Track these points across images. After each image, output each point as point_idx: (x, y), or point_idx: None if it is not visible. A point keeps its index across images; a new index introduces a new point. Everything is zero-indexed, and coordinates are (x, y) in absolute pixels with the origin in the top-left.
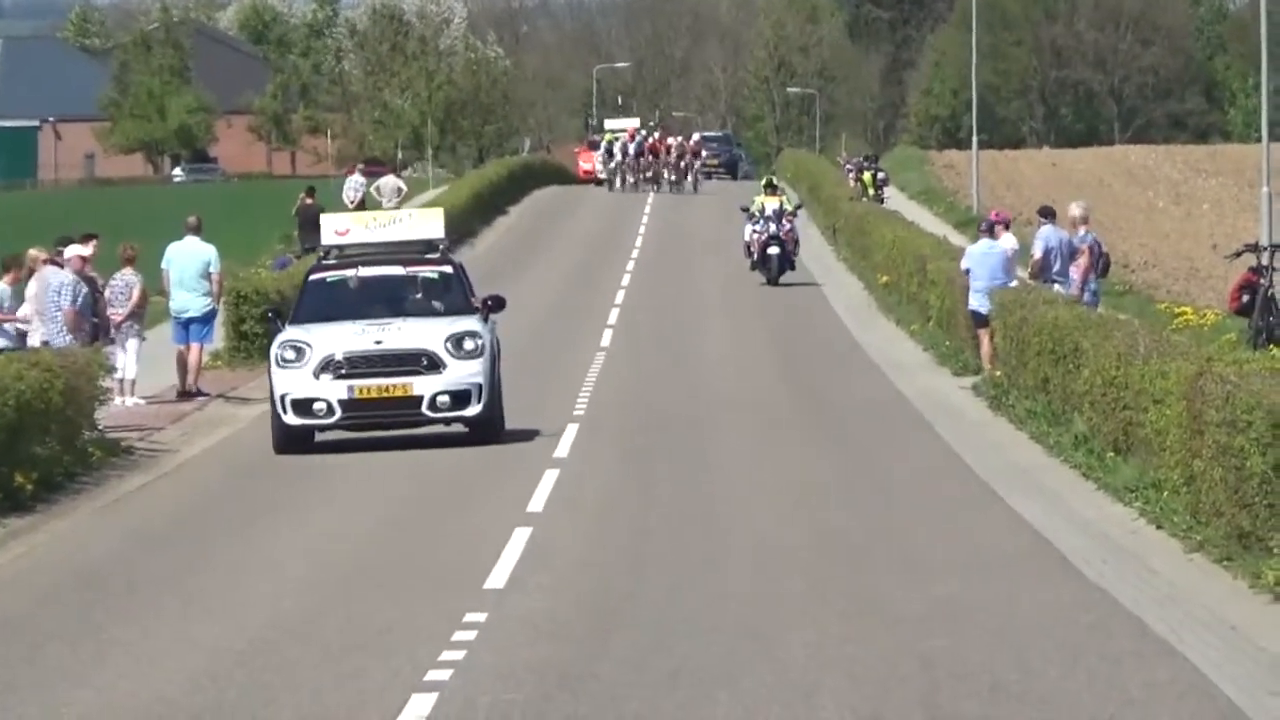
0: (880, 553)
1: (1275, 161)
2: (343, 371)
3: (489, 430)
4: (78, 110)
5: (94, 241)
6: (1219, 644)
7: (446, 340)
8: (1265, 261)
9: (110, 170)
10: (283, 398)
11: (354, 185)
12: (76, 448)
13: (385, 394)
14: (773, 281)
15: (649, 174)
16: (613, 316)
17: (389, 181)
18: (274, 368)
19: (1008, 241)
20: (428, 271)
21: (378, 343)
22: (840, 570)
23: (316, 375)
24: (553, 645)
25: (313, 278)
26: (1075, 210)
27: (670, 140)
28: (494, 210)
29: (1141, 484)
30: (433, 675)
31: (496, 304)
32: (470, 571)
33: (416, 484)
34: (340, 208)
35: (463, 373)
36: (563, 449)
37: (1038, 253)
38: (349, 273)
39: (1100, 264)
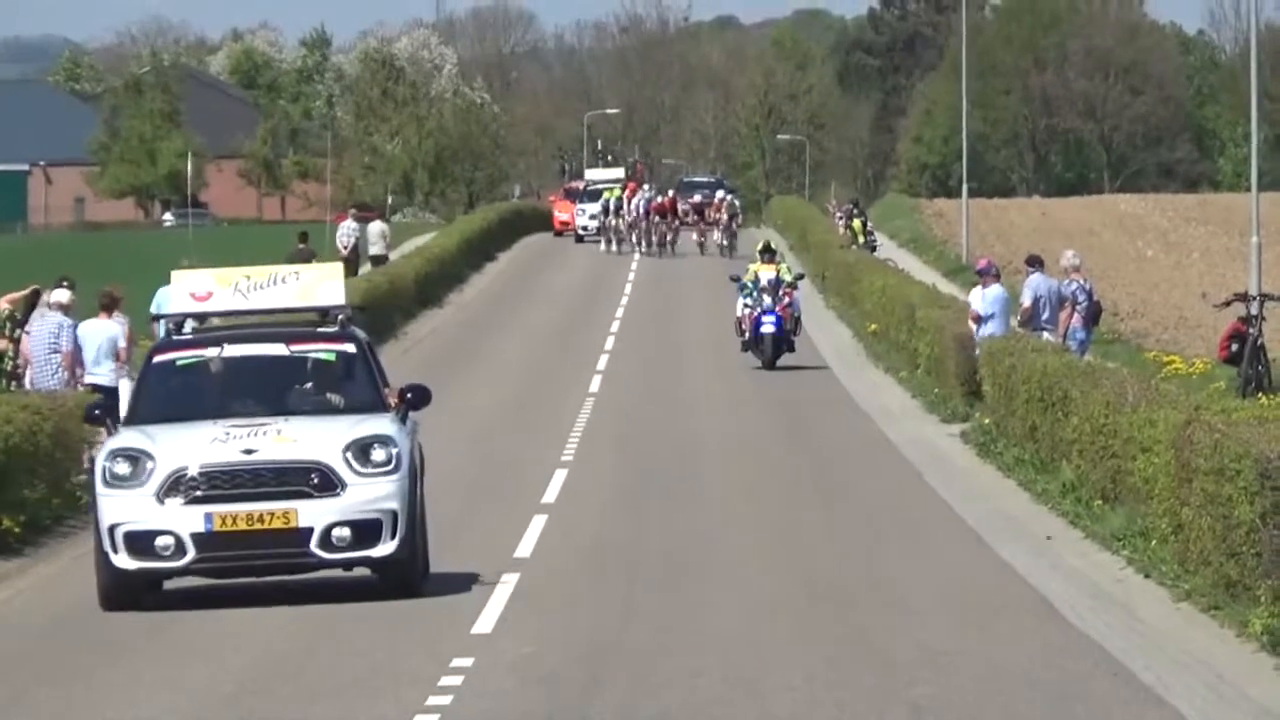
0: (867, 599)
1: (1265, 211)
2: (198, 493)
3: (405, 577)
4: (68, 154)
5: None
6: (1206, 693)
7: (347, 449)
8: (1254, 311)
9: (100, 215)
10: (112, 531)
11: (347, 230)
12: (65, 490)
13: (258, 526)
14: (768, 365)
15: (658, 237)
16: (602, 363)
17: (374, 227)
18: (100, 487)
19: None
20: (321, 351)
21: (248, 452)
22: (827, 616)
23: (160, 498)
24: (540, 690)
25: (157, 359)
26: (1067, 259)
27: (717, 196)
28: (484, 256)
29: (1129, 532)
30: None
31: (418, 398)
32: (458, 616)
33: None
34: (334, 254)
35: (369, 495)
36: (550, 494)
37: (1026, 301)
38: (209, 352)
39: (1091, 312)
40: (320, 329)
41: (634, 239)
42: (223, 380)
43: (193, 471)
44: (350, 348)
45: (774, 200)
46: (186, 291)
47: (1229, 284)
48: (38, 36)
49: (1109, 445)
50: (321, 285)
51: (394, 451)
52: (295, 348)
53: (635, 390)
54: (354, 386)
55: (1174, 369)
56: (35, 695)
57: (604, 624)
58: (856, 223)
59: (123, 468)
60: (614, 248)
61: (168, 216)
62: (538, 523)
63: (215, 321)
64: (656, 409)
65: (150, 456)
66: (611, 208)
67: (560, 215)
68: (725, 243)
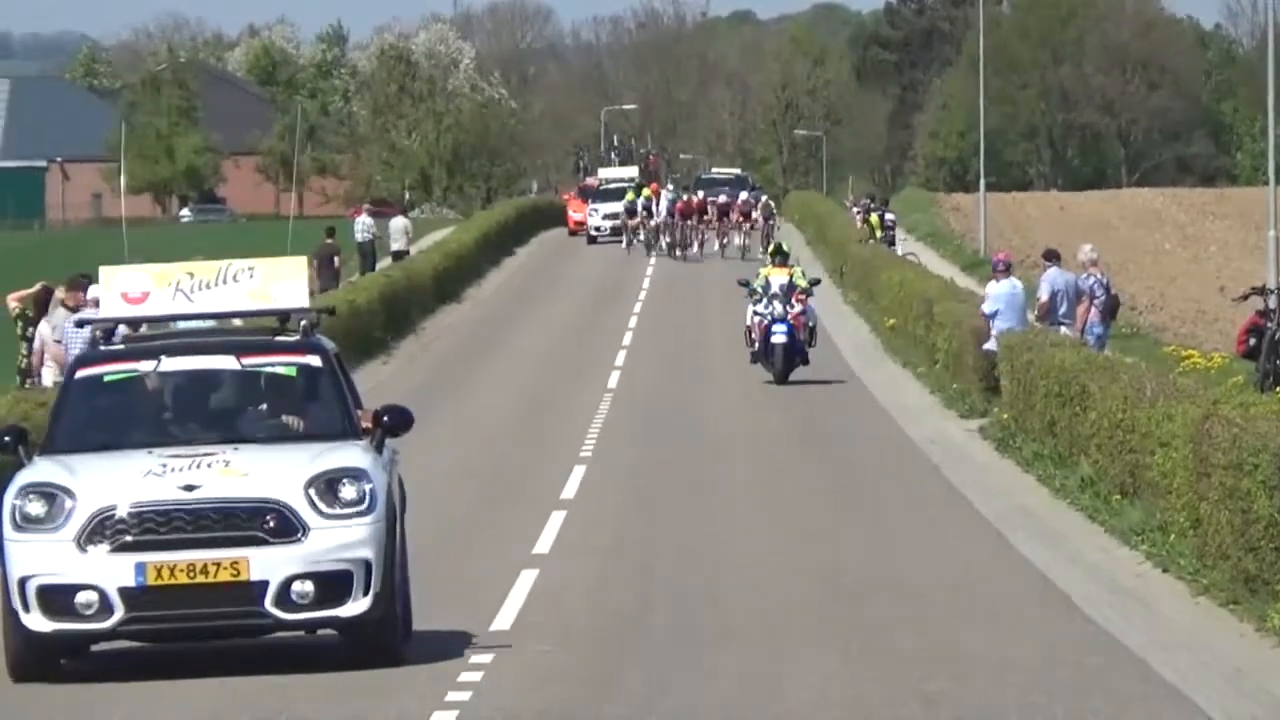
0: (885, 594)
1: None
2: (128, 539)
3: (380, 641)
4: (85, 151)
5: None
6: (1225, 687)
7: (310, 484)
8: (1272, 305)
9: (118, 211)
10: (23, 585)
11: (363, 226)
12: None
13: (201, 579)
14: (779, 379)
15: (681, 240)
16: (620, 358)
17: (397, 222)
18: (8, 531)
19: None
20: (279, 364)
21: (189, 488)
22: (845, 611)
23: (82, 545)
24: (558, 687)
25: (80, 374)
26: (1084, 254)
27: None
28: (502, 252)
29: (1148, 527)
30: (438, 716)
31: (397, 421)
32: (477, 613)
33: (423, 522)
34: (353, 249)
35: (336, 542)
36: (569, 490)
37: (1044, 295)
38: (143, 366)
39: (1109, 306)
40: (279, 338)
41: (661, 244)
42: (159, 400)
43: (121, 512)
44: (315, 360)
45: (791, 195)
46: (117, 292)
47: (1247, 278)
48: (55, 33)
49: (1127, 440)
50: (280, 284)
51: (367, 488)
52: (248, 360)
53: (653, 386)
54: (319, 408)
55: (1192, 363)
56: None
57: (622, 620)
58: (874, 217)
59: (36, 507)
60: (641, 250)
61: (185, 212)
62: (556, 519)
63: (153, 329)
64: (675, 405)
65: (69, 493)
66: (639, 208)
67: (575, 215)
68: (761, 246)
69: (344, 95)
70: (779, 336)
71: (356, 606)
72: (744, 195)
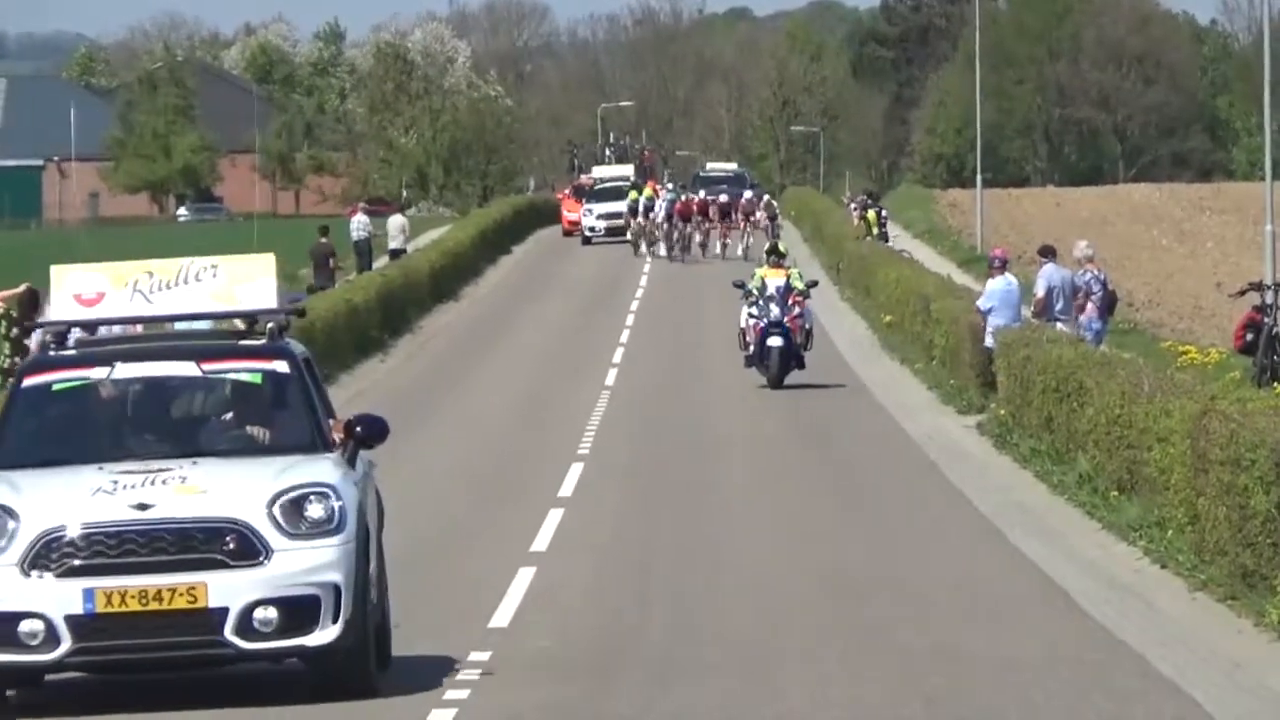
0: (884, 591)
1: (1279, 200)
2: (76, 563)
3: (350, 672)
4: (82, 150)
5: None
6: (1223, 682)
7: (273, 502)
8: (1270, 300)
9: (115, 210)
10: None
11: (359, 225)
12: None
13: (155, 606)
14: (774, 383)
15: (682, 241)
16: (617, 356)
17: (395, 220)
18: None
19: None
20: (243, 371)
21: (142, 507)
22: (843, 609)
23: (26, 569)
24: (556, 685)
25: (27, 382)
26: (1080, 250)
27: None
28: (498, 250)
29: (1145, 523)
30: (436, 714)
31: (370, 431)
32: (475, 611)
33: (421, 520)
34: (349, 248)
35: (302, 565)
36: (567, 487)
37: (1040, 291)
38: (95, 373)
39: (1106, 302)
40: (244, 342)
41: (647, 244)
42: (113, 410)
43: (70, 533)
44: (282, 366)
45: (788, 192)
46: (69, 293)
47: (1244, 273)
48: (51, 32)
49: (1125, 436)
50: (246, 285)
51: (336, 505)
52: (209, 367)
53: (651, 384)
54: (286, 418)
55: (1189, 359)
56: None
57: (620, 618)
58: (871, 214)
59: None
60: (645, 249)
61: (182, 211)
62: (554, 516)
63: (111, 331)
64: (672, 402)
65: (12, 514)
66: (641, 208)
67: (569, 215)
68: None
69: (340, 94)
70: (775, 340)
71: (325, 635)
72: (747, 194)
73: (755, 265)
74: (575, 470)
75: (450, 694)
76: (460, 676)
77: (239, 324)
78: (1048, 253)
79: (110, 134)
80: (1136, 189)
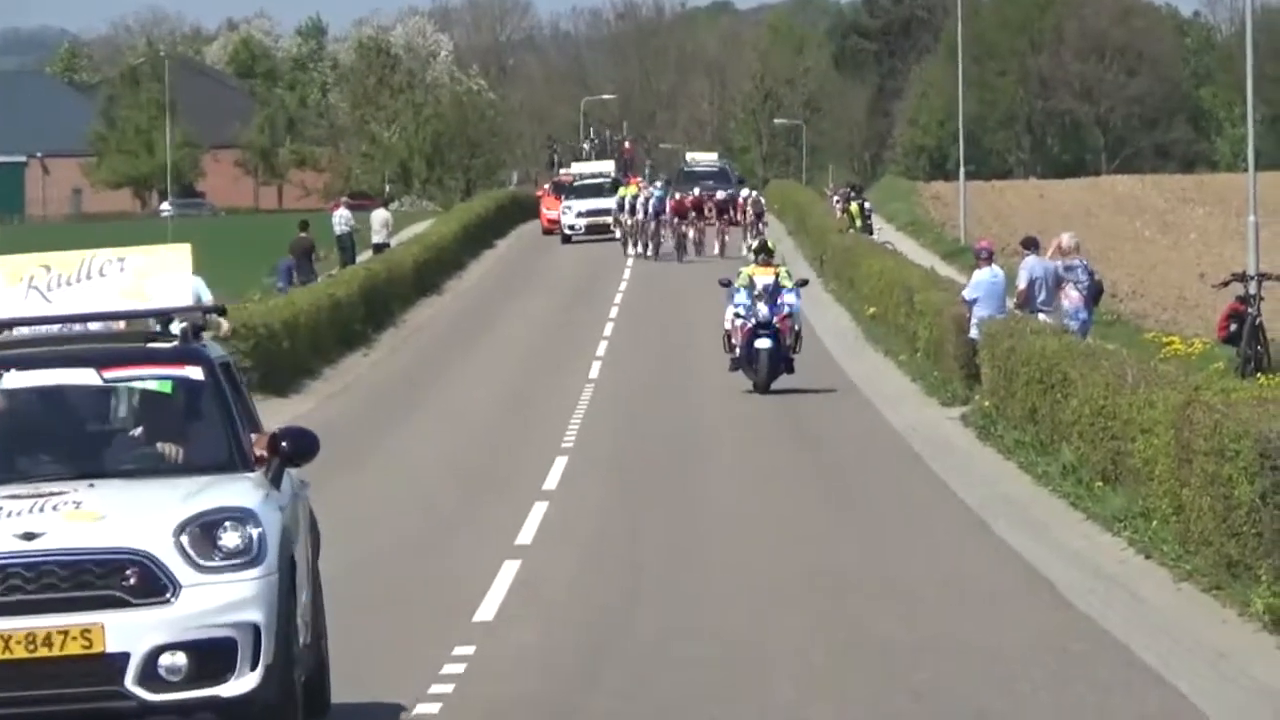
0: (869, 584)
1: (1262, 191)
2: None
3: None
4: (65, 146)
5: None
6: (1208, 672)
7: (182, 530)
8: (1253, 290)
9: (98, 206)
10: None
11: (342, 219)
12: None
13: (44, 652)
14: (762, 387)
15: (675, 239)
16: (601, 349)
17: (378, 215)
18: None
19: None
20: (150, 378)
21: (29, 536)
22: (829, 602)
23: None
24: (541, 679)
25: None
26: (1066, 241)
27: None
28: (482, 244)
29: (1130, 513)
30: (421, 709)
31: (298, 447)
32: (459, 604)
33: (405, 514)
34: (332, 242)
35: (215, 602)
36: (551, 481)
37: (1022, 283)
38: None
39: (1092, 292)
40: (152, 345)
41: (642, 245)
42: (2, 425)
43: None
44: (195, 373)
45: (771, 185)
46: None
47: (1227, 264)
48: (34, 28)
49: (1109, 427)
50: (157, 279)
51: (254, 533)
52: (112, 374)
53: (635, 376)
54: (201, 432)
55: (1173, 349)
56: None
57: (605, 612)
58: (854, 206)
59: None
60: (638, 249)
61: (165, 206)
62: (538, 510)
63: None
64: (656, 395)
65: None
66: (627, 205)
67: (548, 213)
68: (752, 244)
69: (322, 88)
70: (763, 342)
71: (242, 683)
72: (745, 192)
73: (738, 262)
74: (560, 464)
75: (435, 688)
76: (445, 670)
77: (153, 324)
78: (1030, 244)
79: (93, 129)
80: (1119, 180)
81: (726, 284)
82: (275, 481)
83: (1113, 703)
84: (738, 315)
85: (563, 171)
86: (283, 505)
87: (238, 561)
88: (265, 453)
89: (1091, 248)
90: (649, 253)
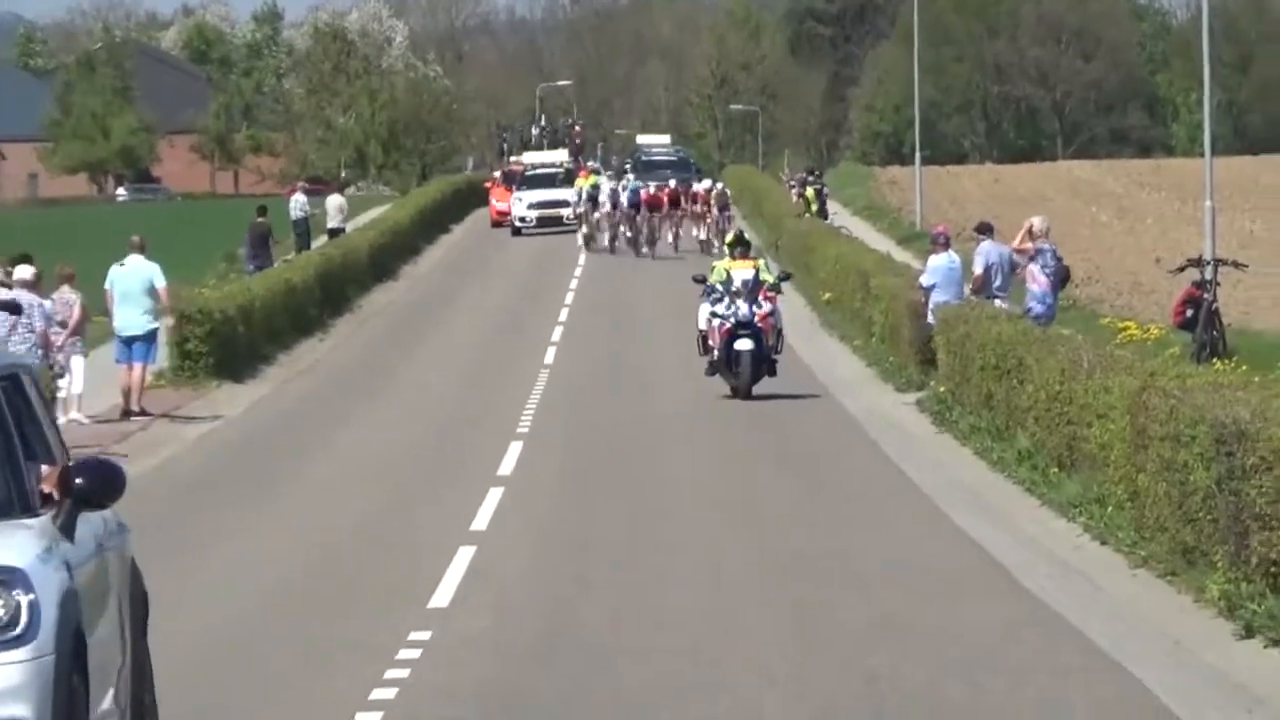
0: (825, 570)
1: (1218, 176)
2: None
3: None
4: (21, 131)
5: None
6: (1164, 659)
7: None
8: (1209, 276)
9: (54, 191)
10: None
11: (298, 204)
12: None
13: None
14: (743, 392)
15: (647, 234)
16: (556, 334)
17: (333, 200)
18: None
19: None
20: None
21: None
22: (785, 588)
23: None
24: (497, 664)
25: None
26: (1037, 225)
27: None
28: (437, 228)
29: (1085, 499)
30: (377, 694)
31: (95, 485)
32: (414, 590)
33: (361, 500)
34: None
35: None
36: (506, 466)
37: (979, 269)
38: None
39: (1060, 276)
40: None
41: (607, 238)
42: None
43: None
44: None
45: (727, 170)
46: None
47: (1183, 249)
48: None
49: (1065, 412)
50: None
51: (23, 600)
52: None
53: (590, 361)
54: None
55: (1129, 335)
56: None
57: (560, 597)
58: (810, 191)
59: None
60: (602, 243)
61: (121, 191)
62: (494, 495)
63: None
64: (611, 379)
65: None
66: (585, 196)
67: (498, 204)
68: (715, 240)
69: (277, 74)
70: (744, 343)
71: None
72: (707, 183)
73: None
74: (515, 449)
75: (390, 673)
76: (400, 655)
77: None
78: (985, 230)
79: (49, 115)
80: (1075, 165)
81: (702, 280)
82: (67, 530)
83: (1068, 688)
84: (715, 314)
85: (513, 160)
86: (73, 562)
87: (2, 639)
88: (53, 487)
89: None
90: (623, 246)
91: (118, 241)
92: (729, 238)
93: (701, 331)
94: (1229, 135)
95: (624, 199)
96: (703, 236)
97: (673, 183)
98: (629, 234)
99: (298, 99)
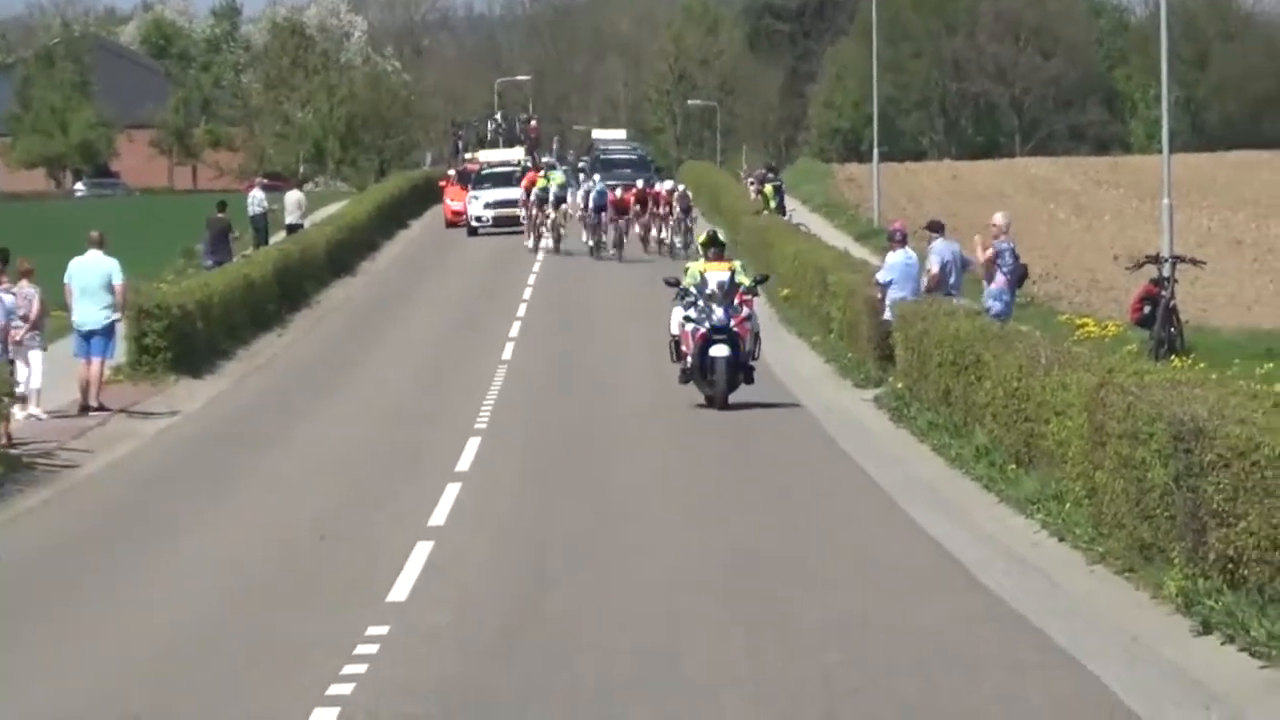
0: (783, 566)
1: (1176, 173)
2: None
3: None
4: None
5: None
6: (1121, 655)
7: None
8: (1166, 273)
9: (12, 186)
10: None
11: (256, 200)
12: None
13: None
14: (719, 401)
15: (614, 236)
16: (514, 329)
17: (291, 195)
18: None
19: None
20: None
21: None
22: (743, 584)
23: None
24: (455, 660)
25: None
26: (999, 221)
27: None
28: (396, 224)
29: (1043, 496)
30: (335, 689)
31: None
32: (372, 585)
33: (319, 495)
34: (247, 222)
35: None
36: (464, 462)
37: (934, 267)
38: None
39: (1017, 274)
40: None
41: (585, 238)
42: None
43: None
44: None
45: (685, 165)
46: None
47: (1140, 246)
48: None
49: (1022, 409)
50: None
51: None
52: None
53: (548, 357)
54: None
55: (1087, 332)
56: None
57: (518, 593)
58: (768, 188)
59: None
60: (544, 243)
61: (79, 186)
62: (451, 491)
63: None
64: (570, 375)
65: None
66: (535, 196)
67: (452, 204)
68: (679, 242)
69: (235, 69)
70: (720, 349)
71: None
72: (669, 184)
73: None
74: (473, 444)
75: (348, 668)
76: (358, 650)
77: None
78: (936, 228)
79: (7, 110)
80: (1033, 162)
81: (674, 284)
82: None
83: (1025, 685)
84: (688, 319)
85: (468, 158)
86: None
87: None
88: None
89: None
90: (592, 245)
91: (76, 237)
92: (702, 238)
93: (674, 337)
94: (1187, 132)
95: (592, 201)
96: (665, 239)
97: (640, 183)
98: (590, 241)
99: (256, 94)
